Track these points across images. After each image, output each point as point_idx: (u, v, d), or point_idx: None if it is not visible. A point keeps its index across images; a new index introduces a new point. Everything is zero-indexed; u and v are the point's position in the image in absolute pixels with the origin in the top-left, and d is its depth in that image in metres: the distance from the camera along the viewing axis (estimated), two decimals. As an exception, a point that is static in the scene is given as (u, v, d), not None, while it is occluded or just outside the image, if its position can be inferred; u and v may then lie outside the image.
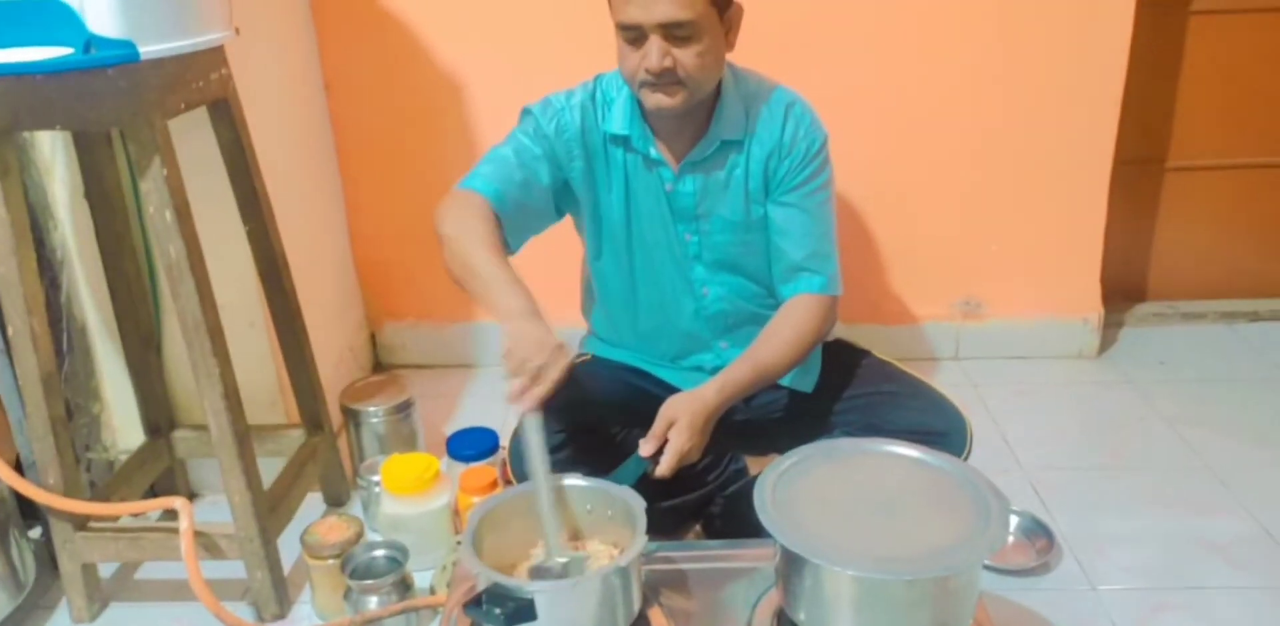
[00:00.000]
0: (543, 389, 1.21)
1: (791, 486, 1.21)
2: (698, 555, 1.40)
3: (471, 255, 1.32)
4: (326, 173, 2.17)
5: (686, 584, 1.35)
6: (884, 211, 2.23)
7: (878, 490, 1.20)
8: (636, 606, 1.20)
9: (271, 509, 1.55)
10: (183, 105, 1.36)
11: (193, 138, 1.53)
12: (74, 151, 1.57)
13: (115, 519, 1.59)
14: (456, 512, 1.66)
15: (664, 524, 1.63)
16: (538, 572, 1.21)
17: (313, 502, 1.83)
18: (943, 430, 1.50)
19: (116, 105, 1.26)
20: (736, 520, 1.64)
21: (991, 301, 2.31)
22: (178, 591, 1.59)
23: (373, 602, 1.44)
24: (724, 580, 1.36)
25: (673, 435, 1.36)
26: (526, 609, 1.09)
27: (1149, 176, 2.43)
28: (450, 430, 2.00)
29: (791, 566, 1.14)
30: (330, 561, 1.49)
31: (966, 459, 1.49)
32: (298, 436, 1.76)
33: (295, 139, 2.02)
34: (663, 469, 1.35)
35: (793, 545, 1.10)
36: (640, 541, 1.15)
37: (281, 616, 1.54)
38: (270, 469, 1.68)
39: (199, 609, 1.57)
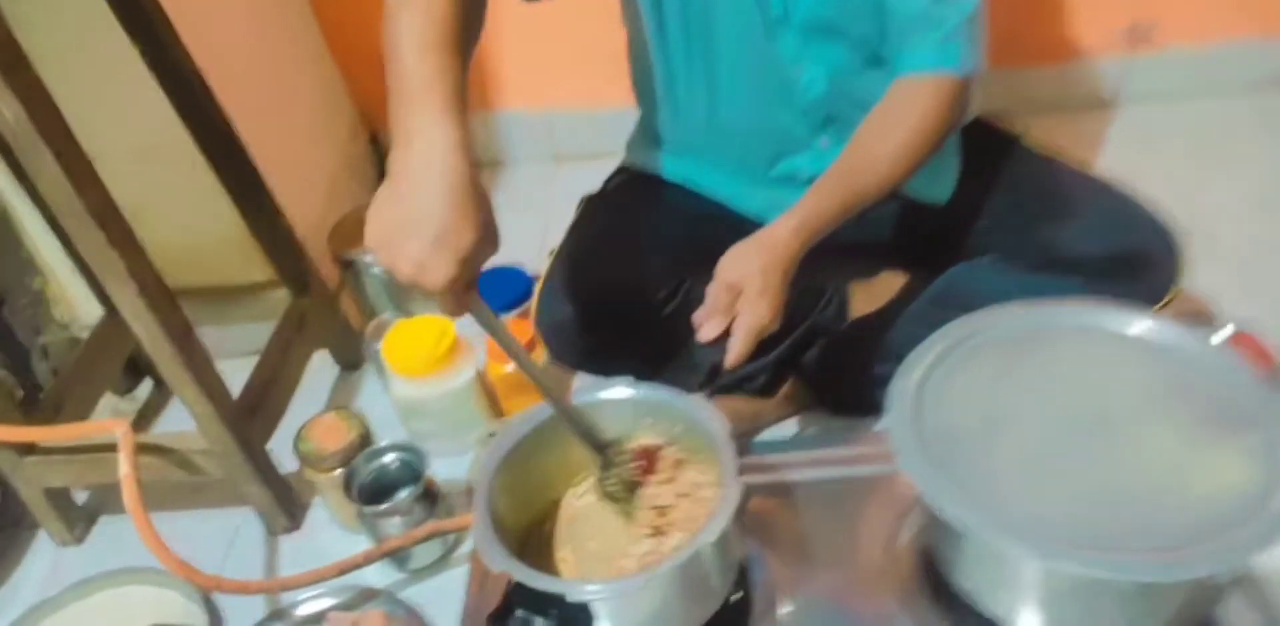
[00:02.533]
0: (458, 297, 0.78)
1: (943, 396, 0.82)
2: (804, 458, 1.04)
3: (401, 59, 0.80)
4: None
5: (793, 504, 1.01)
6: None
7: (1085, 401, 0.80)
8: (734, 571, 0.87)
9: (251, 409, 1.23)
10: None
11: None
12: None
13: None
14: (487, 383, 1.31)
15: (748, 386, 1.26)
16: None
17: (323, 367, 1.50)
18: (1144, 254, 1.06)
19: None
20: (843, 372, 1.26)
21: (1166, 23, 1.73)
22: (174, 497, 1.32)
23: (394, 525, 1.13)
24: (845, 495, 1.01)
25: (743, 308, 0.96)
26: (580, 616, 0.76)
27: None
28: (476, 263, 1.62)
29: (953, 536, 0.77)
30: (336, 472, 1.18)
31: (1173, 296, 1.06)
32: (281, 298, 1.40)
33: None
34: (733, 358, 0.96)
35: (961, 516, 0.72)
36: (732, 495, 0.78)
37: (294, 527, 1.27)
38: (262, 334, 1.35)
39: (205, 516, 1.32)
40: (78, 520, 1.32)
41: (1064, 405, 0.79)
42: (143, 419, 1.51)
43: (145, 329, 1.08)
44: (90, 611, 1.18)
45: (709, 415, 0.86)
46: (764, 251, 0.97)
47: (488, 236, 0.75)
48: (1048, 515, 0.71)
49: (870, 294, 1.30)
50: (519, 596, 0.78)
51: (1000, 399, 0.81)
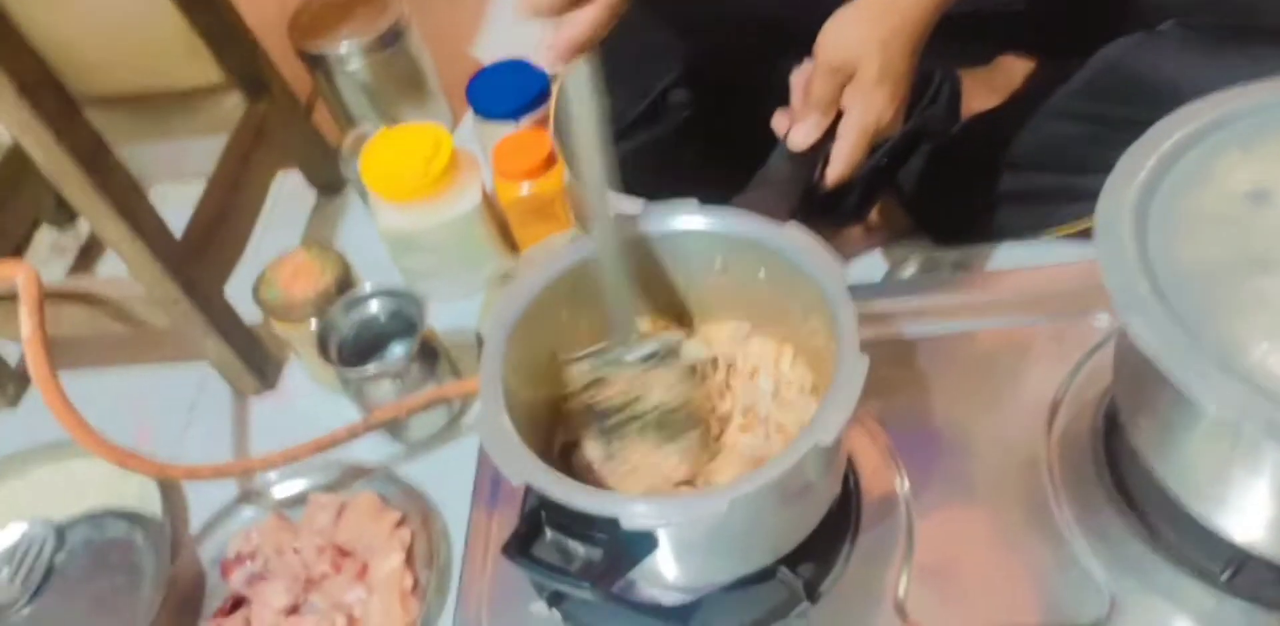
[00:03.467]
0: (580, 28, 0.60)
1: (1178, 220, 0.56)
2: (922, 307, 0.79)
3: None
4: None
5: (907, 368, 0.76)
6: None
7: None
8: (842, 472, 0.64)
9: (199, 245, 0.97)
10: None
11: None
12: None
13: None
14: (497, 208, 1.04)
15: (833, 208, 0.99)
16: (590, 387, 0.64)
17: (296, 192, 1.24)
18: None
19: None
20: (955, 188, 0.98)
21: None
22: (125, 349, 1.10)
23: (384, 390, 0.90)
24: (978, 355, 0.76)
25: (853, 100, 0.69)
26: (636, 543, 0.53)
27: None
28: (478, 57, 1.32)
29: (1183, 424, 0.52)
30: (309, 324, 0.93)
31: None
32: (235, 105, 1.11)
33: None
34: (840, 170, 0.70)
35: (1231, 406, 0.47)
36: (856, 372, 0.54)
37: (267, 386, 1.04)
38: (214, 149, 1.07)
39: (164, 371, 1.09)
40: (8, 379, 1.10)
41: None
42: (87, 256, 1.26)
43: (37, 143, 0.81)
44: (27, 490, 0.99)
45: (814, 255, 0.60)
46: (884, 17, 0.68)
47: None
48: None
49: (989, 85, 1.00)
50: (550, 511, 0.55)
51: (1266, 224, 0.54)
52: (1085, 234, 0.94)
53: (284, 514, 0.89)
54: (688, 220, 0.65)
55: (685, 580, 0.64)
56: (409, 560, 0.83)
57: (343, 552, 0.84)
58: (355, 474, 0.91)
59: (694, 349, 0.69)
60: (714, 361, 0.69)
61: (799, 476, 0.55)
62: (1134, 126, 0.64)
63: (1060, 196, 0.92)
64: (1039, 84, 0.95)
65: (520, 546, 0.55)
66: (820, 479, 0.60)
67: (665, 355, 0.65)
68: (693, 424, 0.64)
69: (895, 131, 0.72)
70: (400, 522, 0.86)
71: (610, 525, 0.52)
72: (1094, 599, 0.64)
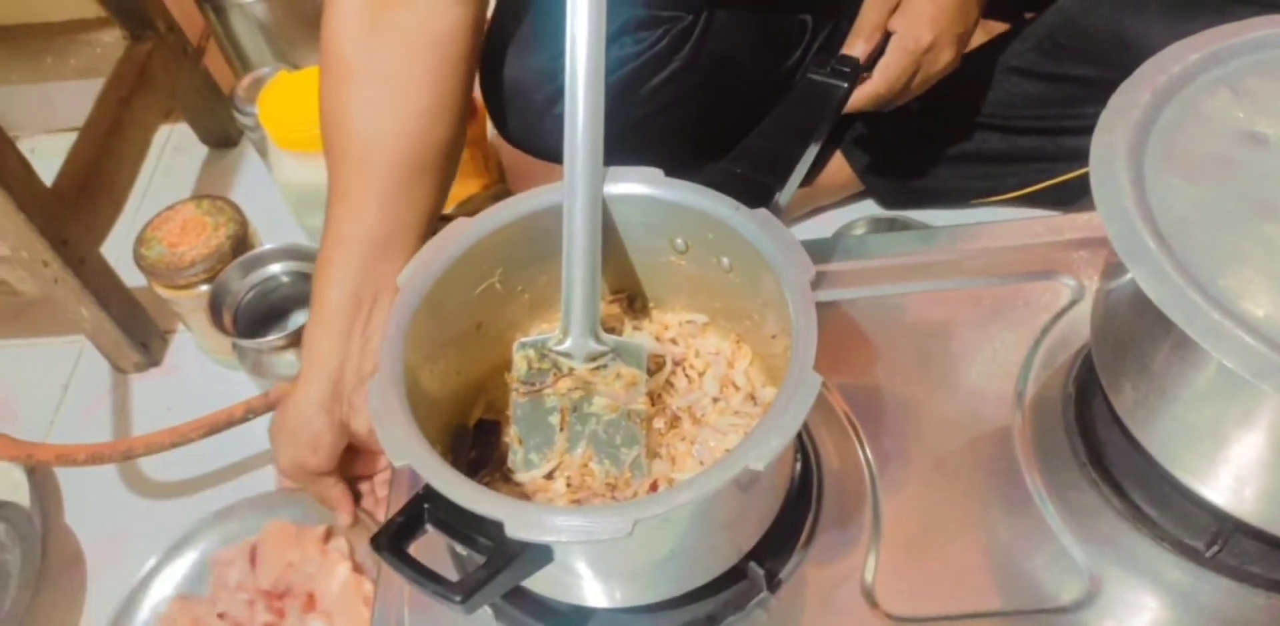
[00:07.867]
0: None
1: (1176, 162, 0.51)
2: (872, 266, 0.73)
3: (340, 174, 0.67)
4: None
5: (866, 334, 0.70)
6: None
7: None
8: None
9: (71, 199, 0.85)
10: None
11: None
12: None
13: None
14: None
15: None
16: (532, 377, 0.56)
17: (184, 146, 1.12)
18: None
19: None
20: (905, 149, 0.92)
21: None
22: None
23: (288, 363, 0.80)
24: (938, 317, 0.71)
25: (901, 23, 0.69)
26: (526, 554, 0.46)
27: None
28: None
29: (1177, 386, 0.48)
30: (200, 289, 0.83)
31: None
32: (114, 42, 1.00)
33: None
34: (874, 91, 0.70)
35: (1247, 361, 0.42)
36: (805, 393, 0.47)
37: (151, 363, 0.93)
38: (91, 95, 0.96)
39: (32, 346, 0.98)
40: None
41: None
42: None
43: None
44: None
45: (783, 249, 0.52)
46: None
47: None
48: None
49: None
50: (434, 504, 0.47)
51: (1267, 168, 0.49)
52: (1037, 197, 0.90)
53: (185, 594, 0.74)
54: (649, 190, 0.57)
55: (599, 598, 0.56)
56: (356, 566, 0.71)
57: (276, 595, 0.72)
58: (252, 504, 0.76)
59: (649, 345, 0.61)
60: (660, 358, 0.62)
61: (723, 499, 0.48)
62: (1091, 85, 0.59)
63: (1014, 158, 0.88)
64: (993, 39, 0.90)
65: (392, 541, 0.46)
66: (752, 496, 0.53)
67: (623, 358, 0.58)
68: (633, 440, 0.57)
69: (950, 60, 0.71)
70: (327, 535, 0.73)
71: (497, 530, 0.44)
72: (1073, 579, 0.59)
